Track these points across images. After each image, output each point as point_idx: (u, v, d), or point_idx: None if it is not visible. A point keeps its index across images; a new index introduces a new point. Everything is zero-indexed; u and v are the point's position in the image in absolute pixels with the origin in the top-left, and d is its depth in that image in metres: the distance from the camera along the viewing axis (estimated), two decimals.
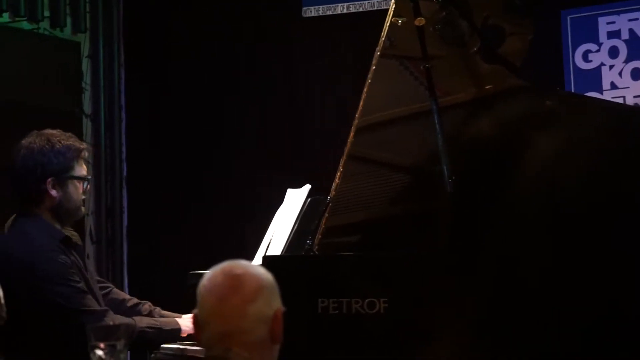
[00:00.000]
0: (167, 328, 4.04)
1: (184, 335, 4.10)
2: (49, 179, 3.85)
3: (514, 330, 3.46)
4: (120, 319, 3.89)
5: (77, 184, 3.92)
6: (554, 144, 4.07)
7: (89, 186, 4.01)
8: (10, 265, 3.78)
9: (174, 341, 4.09)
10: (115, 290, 4.35)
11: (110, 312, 3.88)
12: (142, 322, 3.99)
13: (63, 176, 3.86)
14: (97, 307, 3.84)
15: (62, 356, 3.79)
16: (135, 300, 4.30)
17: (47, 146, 3.86)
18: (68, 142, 3.90)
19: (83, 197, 3.97)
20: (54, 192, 3.86)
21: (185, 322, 4.08)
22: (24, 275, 3.74)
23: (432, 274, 3.42)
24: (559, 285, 3.58)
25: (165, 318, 4.16)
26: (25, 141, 3.91)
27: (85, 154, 3.99)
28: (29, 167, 3.85)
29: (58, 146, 3.87)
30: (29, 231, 3.86)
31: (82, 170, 3.94)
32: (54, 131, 3.94)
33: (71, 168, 3.88)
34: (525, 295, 3.51)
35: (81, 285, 3.83)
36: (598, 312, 3.57)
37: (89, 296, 3.85)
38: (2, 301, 2.70)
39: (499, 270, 3.47)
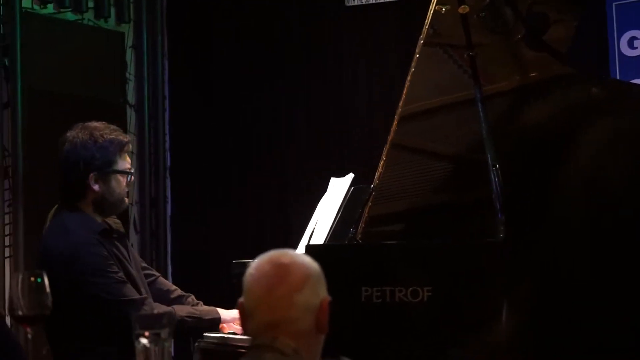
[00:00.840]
0: (207, 317, 4.08)
1: (224, 328, 4.12)
2: (92, 174, 3.86)
3: (556, 321, 3.44)
4: (159, 307, 3.92)
5: (120, 177, 3.93)
6: (599, 133, 4.04)
7: (132, 178, 4.02)
8: (51, 258, 3.82)
9: (213, 330, 4.12)
10: (161, 279, 4.37)
11: (150, 300, 3.92)
12: (182, 310, 4.02)
13: (105, 170, 3.88)
14: (136, 296, 3.85)
15: (106, 345, 3.83)
16: (180, 292, 4.32)
17: (90, 141, 3.87)
18: (111, 136, 3.90)
19: (126, 189, 3.99)
20: (96, 187, 3.88)
21: (225, 312, 4.12)
22: (64, 268, 3.76)
23: (475, 264, 3.40)
24: (601, 279, 3.55)
25: (205, 307, 4.18)
26: (69, 134, 3.92)
27: (129, 147, 4.00)
28: (71, 161, 3.87)
29: (101, 140, 3.87)
30: (67, 225, 3.88)
31: (125, 163, 3.95)
32: (98, 124, 3.95)
33: (114, 162, 3.89)
34: (569, 288, 3.49)
35: (120, 275, 3.85)
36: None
37: (128, 285, 3.86)
38: (48, 290, 2.72)
39: (543, 261, 3.45)
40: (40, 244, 3.97)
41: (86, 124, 3.96)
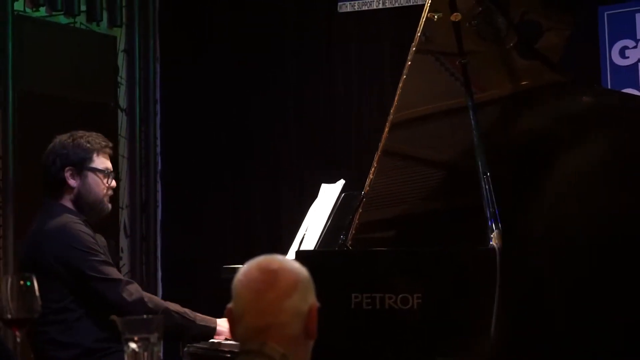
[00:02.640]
0: (200, 323, 4.05)
1: (220, 337, 4.08)
2: (67, 168, 4.02)
3: (548, 328, 3.44)
4: (142, 294, 3.96)
5: (98, 176, 4.05)
6: (590, 141, 4.04)
7: (112, 182, 4.11)
8: (38, 237, 3.97)
9: (205, 338, 4.08)
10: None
11: (135, 284, 3.98)
12: (174, 306, 4.03)
13: (81, 166, 4.02)
14: (120, 277, 3.97)
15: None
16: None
17: (68, 140, 4.05)
18: (90, 138, 4.07)
19: (106, 191, 4.08)
20: (72, 182, 4.02)
21: (224, 324, 4.02)
22: (51, 242, 3.91)
23: (465, 270, 3.40)
24: (594, 285, 3.56)
25: (204, 316, 4.15)
26: (54, 140, 4.11)
27: (109, 150, 4.12)
28: (50, 159, 4.05)
29: (79, 140, 4.05)
30: (54, 210, 4.03)
31: (102, 163, 4.07)
32: (84, 131, 4.12)
33: (89, 159, 4.04)
34: (561, 294, 3.49)
35: (104, 257, 3.97)
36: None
37: (113, 267, 3.99)
38: (37, 293, 2.72)
39: (534, 268, 3.45)
40: (26, 238, 4.09)
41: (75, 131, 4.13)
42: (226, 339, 4.04)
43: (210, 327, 4.05)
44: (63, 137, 4.07)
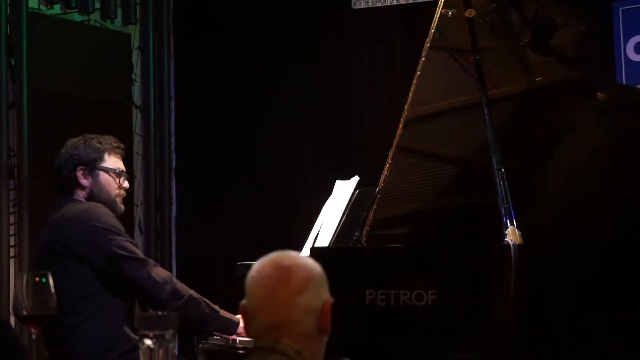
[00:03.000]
0: (224, 316, 4.06)
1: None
2: (79, 168, 4.08)
3: (563, 325, 3.43)
4: (170, 275, 4.01)
5: (110, 175, 4.10)
6: (605, 137, 4.04)
7: (125, 182, 4.16)
8: (65, 220, 3.99)
9: (228, 332, 4.08)
10: None
11: (159, 268, 4.00)
12: (200, 297, 4.05)
13: (92, 166, 4.08)
14: (144, 257, 4.01)
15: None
16: None
17: (80, 141, 4.13)
18: (102, 139, 4.15)
19: (119, 191, 4.13)
20: (84, 181, 4.08)
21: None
22: (78, 223, 3.95)
23: (480, 267, 3.40)
24: (608, 281, 3.55)
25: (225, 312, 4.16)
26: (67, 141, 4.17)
27: (120, 151, 4.17)
28: (62, 160, 4.11)
29: (90, 141, 4.12)
30: (68, 204, 4.07)
31: (115, 163, 4.13)
32: (95, 134, 4.18)
33: (101, 159, 4.10)
34: (574, 290, 3.48)
35: (129, 238, 4.03)
36: None
37: (137, 249, 4.04)
38: (52, 290, 2.72)
39: (548, 264, 3.45)
40: (42, 230, 4.12)
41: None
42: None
43: (234, 322, 4.05)
44: (75, 140, 4.14)
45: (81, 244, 3.92)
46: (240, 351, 4.05)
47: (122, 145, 4.20)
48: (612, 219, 3.79)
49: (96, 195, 4.07)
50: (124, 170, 4.16)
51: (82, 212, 3.97)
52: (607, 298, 3.49)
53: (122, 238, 3.95)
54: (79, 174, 4.07)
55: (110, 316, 3.96)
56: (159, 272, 3.94)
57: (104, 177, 4.08)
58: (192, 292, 4.02)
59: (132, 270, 3.91)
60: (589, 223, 3.77)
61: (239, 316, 4.06)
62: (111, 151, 4.12)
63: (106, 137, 4.17)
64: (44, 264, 3.94)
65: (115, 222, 3.98)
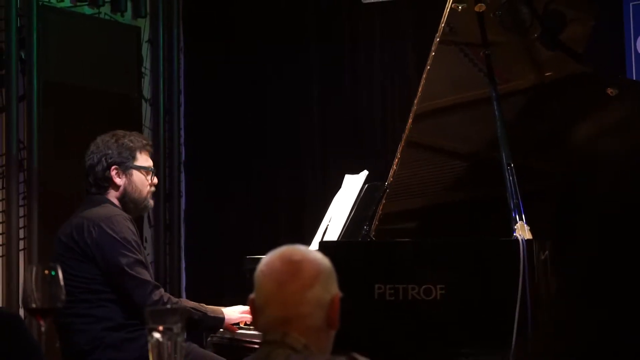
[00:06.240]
0: (211, 315, 4.19)
1: (230, 324, 4.25)
2: (114, 167, 4.14)
3: (572, 321, 3.43)
4: (168, 296, 4.07)
5: (142, 174, 4.19)
6: (615, 132, 4.03)
7: (155, 179, 4.25)
8: (86, 222, 4.02)
9: (216, 329, 4.26)
10: None
11: (161, 289, 4.06)
12: (188, 303, 4.18)
13: (126, 165, 4.15)
14: (150, 280, 4.04)
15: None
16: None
17: (111, 140, 4.18)
18: (132, 137, 4.21)
19: (150, 188, 4.22)
20: (118, 180, 4.15)
21: (230, 312, 4.24)
22: (96, 228, 4.00)
23: (489, 262, 3.40)
24: (614, 273, 3.55)
25: (210, 306, 4.26)
26: (95, 140, 4.23)
27: (149, 148, 4.26)
28: (96, 159, 4.16)
29: (122, 140, 4.18)
30: (101, 201, 4.15)
31: (146, 161, 4.22)
32: (123, 131, 4.26)
33: (134, 158, 4.17)
34: (585, 284, 3.48)
35: (143, 256, 4.07)
36: None
37: (148, 270, 4.07)
38: (62, 283, 2.73)
39: (556, 258, 3.44)
40: (69, 221, 4.13)
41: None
42: (240, 326, 4.23)
43: (220, 317, 4.20)
44: (105, 137, 4.20)
45: (95, 248, 3.98)
46: (249, 344, 4.09)
47: (150, 142, 4.31)
48: (621, 213, 3.79)
49: (130, 193, 4.16)
50: (153, 167, 4.25)
51: (104, 219, 4.02)
52: (620, 295, 3.49)
53: (133, 256, 4.00)
54: (113, 173, 4.14)
55: (116, 303, 4.01)
56: (155, 297, 4.00)
57: (137, 175, 4.17)
58: (185, 305, 4.12)
59: (132, 289, 3.98)
60: (600, 215, 3.77)
61: (223, 308, 4.24)
62: (142, 149, 4.20)
63: (135, 134, 4.25)
64: (59, 255, 4.03)
65: (133, 237, 4.03)
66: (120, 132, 4.22)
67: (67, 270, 3.85)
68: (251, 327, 4.09)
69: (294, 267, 2.40)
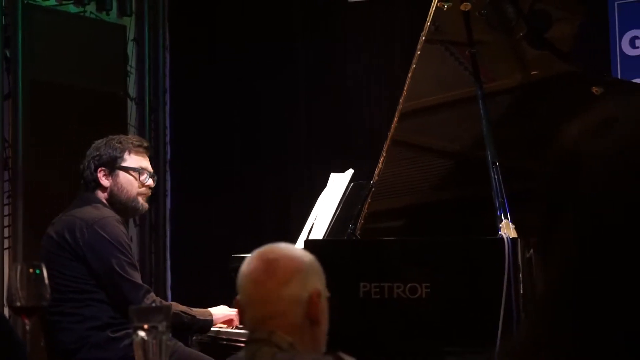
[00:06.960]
0: (200, 317, 4.19)
1: (232, 322, 4.27)
2: (100, 169, 4.11)
3: (556, 319, 3.43)
4: (160, 300, 4.10)
5: (131, 174, 4.13)
6: (600, 131, 4.03)
7: (150, 180, 4.20)
8: (77, 222, 4.01)
9: (206, 330, 4.24)
10: None
11: (152, 293, 4.06)
12: (178, 307, 4.15)
13: (112, 166, 4.11)
14: (141, 283, 4.04)
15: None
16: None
17: (102, 142, 4.17)
18: (123, 138, 4.19)
19: (140, 189, 4.17)
20: (105, 182, 4.11)
21: (216, 313, 4.25)
22: (87, 229, 3.98)
23: (474, 260, 3.40)
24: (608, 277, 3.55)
25: (198, 309, 4.27)
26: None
27: (143, 149, 4.20)
28: (86, 162, 4.15)
29: (112, 142, 4.15)
30: (91, 199, 4.13)
31: (136, 162, 4.15)
32: (121, 135, 4.26)
33: (120, 159, 4.12)
34: (571, 283, 3.48)
35: (133, 259, 4.08)
36: None
37: (137, 272, 4.07)
38: (46, 281, 2.72)
39: (541, 256, 3.44)
40: (58, 219, 4.12)
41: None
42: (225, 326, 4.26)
43: (208, 319, 4.19)
44: (98, 141, 4.19)
45: (87, 249, 3.96)
46: (233, 342, 4.11)
47: (144, 144, 4.25)
48: (608, 212, 3.79)
49: (117, 195, 4.12)
50: (147, 168, 4.19)
51: (97, 220, 4.00)
52: (607, 295, 3.49)
53: (126, 258, 3.99)
54: (100, 174, 4.11)
55: (103, 304, 4.00)
56: (150, 297, 4.01)
57: (124, 176, 4.12)
58: (174, 309, 4.08)
59: (127, 291, 3.97)
60: (587, 213, 3.77)
61: (211, 309, 4.25)
62: (132, 150, 4.15)
63: (130, 136, 4.25)
64: (48, 252, 4.01)
65: (125, 240, 4.02)
66: (114, 136, 4.20)
67: (56, 268, 3.86)
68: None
69: (270, 265, 2.41)
